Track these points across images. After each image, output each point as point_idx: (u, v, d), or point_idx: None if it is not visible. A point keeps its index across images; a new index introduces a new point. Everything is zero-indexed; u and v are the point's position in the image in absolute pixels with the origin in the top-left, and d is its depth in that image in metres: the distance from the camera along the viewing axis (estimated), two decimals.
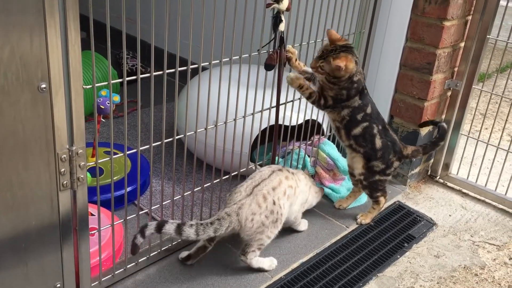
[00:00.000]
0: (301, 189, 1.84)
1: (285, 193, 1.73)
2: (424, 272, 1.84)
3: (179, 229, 1.50)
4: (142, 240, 1.48)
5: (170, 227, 1.49)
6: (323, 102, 1.84)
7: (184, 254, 1.74)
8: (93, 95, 1.33)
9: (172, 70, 1.49)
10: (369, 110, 1.86)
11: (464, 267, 1.89)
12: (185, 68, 1.52)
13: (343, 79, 1.76)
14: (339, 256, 1.88)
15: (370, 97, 1.89)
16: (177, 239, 1.79)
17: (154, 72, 1.44)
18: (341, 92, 1.80)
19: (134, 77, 1.42)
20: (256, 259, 1.73)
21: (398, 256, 1.91)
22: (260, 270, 1.75)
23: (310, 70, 1.85)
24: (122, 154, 1.48)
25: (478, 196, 2.34)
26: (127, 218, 1.57)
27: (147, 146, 1.53)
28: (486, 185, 2.33)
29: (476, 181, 2.35)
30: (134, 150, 1.51)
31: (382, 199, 2.03)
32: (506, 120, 2.30)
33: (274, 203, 1.67)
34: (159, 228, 1.49)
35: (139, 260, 1.67)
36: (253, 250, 1.70)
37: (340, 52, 1.71)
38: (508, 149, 2.24)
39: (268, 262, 1.77)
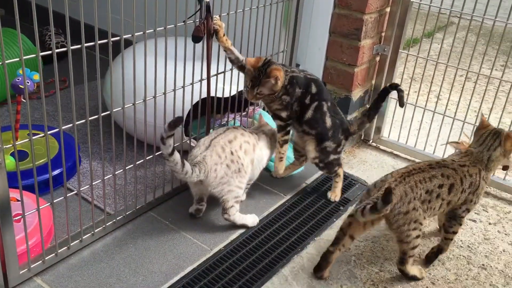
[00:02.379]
0: (263, 145, 1.92)
1: (241, 147, 1.80)
2: None
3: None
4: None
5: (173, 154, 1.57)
6: (284, 116, 1.88)
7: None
8: (4, 73, 1.25)
9: (92, 44, 1.42)
10: (313, 89, 1.87)
11: None
12: (105, 41, 1.45)
13: (280, 89, 1.81)
14: (278, 223, 1.91)
15: (310, 76, 1.89)
16: (112, 219, 1.75)
17: (72, 46, 1.37)
18: (282, 99, 1.84)
19: (49, 52, 1.34)
20: (238, 215, 1.82)
21: (335, 220, 1.97)
22: (243, 226, 1.84)
23: (236, 51, 1.83)
24: (43, 135, 1.40)
25: (409, 157, 2.44)
26: (55, 201, 1.50)
27: (70, 125, 1.46)
28: (415, 145, 2.42)
29: (406, 142, 2.44)
30: (57, 130, 1.43)
31: (340, 170, 2.05)
32: (432, 82, 2.38)
33: (232, 154, 1.76)
34: (172, 152, 1.55)
35: (71, 244, 1.61)
36: (232, 205, 1.77)
37: (267, 68, 1.76)
38: (434, 109, 2.33)
39: (251, 219, 1.86)
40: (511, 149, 1.67)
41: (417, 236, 1.60)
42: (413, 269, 1.68)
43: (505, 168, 1.80)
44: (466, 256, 1.83)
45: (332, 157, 1.99)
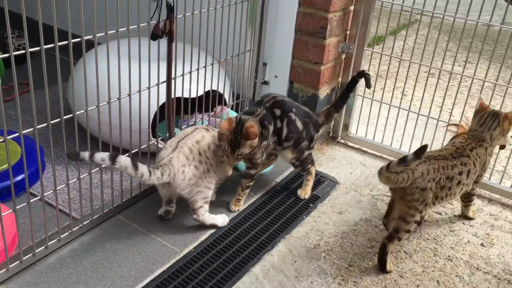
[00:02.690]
0: None
1: (209, 147, 1.78)
2: (329, 229, 1.92)
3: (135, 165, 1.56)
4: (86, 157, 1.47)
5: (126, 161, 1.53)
6: (259, 162, 1.92)
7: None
8: None
9: (52, 45, 1.38)
10: (277, 112, 1.89)
11: (365, 220, 1.99)
12: (66, 42, 1.42)
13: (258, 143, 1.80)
14: (248, 222, 1.91)
15: (269, 104, 1.88)
16: (78, 224, 1.71)
17: (33, 48, 1.34)
18: (262, 145, 1.85)
19: (7, 55, 1.30)
20: (208, 215, 1.81)
21: (304, 217, 1.98)
22: (213, 226, 1.83)
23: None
24: (2, 140, 1.36)
25: (376, 153, 2.47)
26: (18, 207, 1.47)
27: (31, 129, 1.42)
28: (382, 141, 2.46)
29: (373, 138, 2.48)
30: (17, 134, 1.40)
31: (312, 168, 2.08)
32: (396, 78, 2.42)
33: (200, 154, 1.75)
34: (113, 159, 1.50)
35: (36, 251, 1.58)
36: (201, 205, 1.76)
37: (243, 128, 1.71)
38: (399, 105, 2.37)
39: (220, 219, 1.85)
40: (508, 128, 1.82)
41: (416, 221, 1.71)
42: (388, 257, 1.73)
43: (502, 147, 1.93)
44: (433, 248, 1.87)
45: (306, 153, 2.01)
